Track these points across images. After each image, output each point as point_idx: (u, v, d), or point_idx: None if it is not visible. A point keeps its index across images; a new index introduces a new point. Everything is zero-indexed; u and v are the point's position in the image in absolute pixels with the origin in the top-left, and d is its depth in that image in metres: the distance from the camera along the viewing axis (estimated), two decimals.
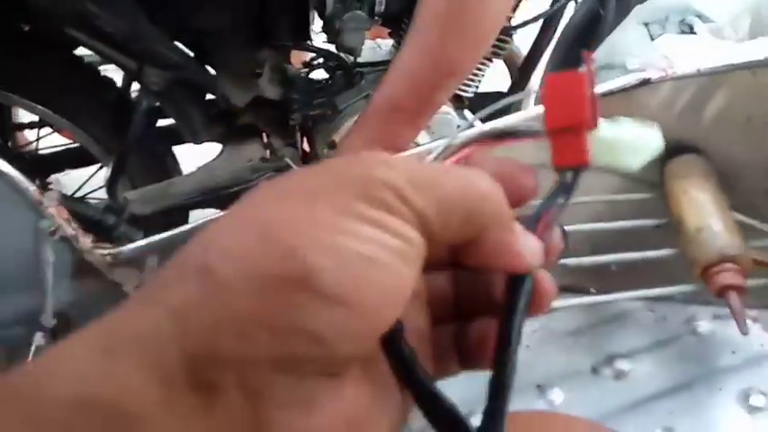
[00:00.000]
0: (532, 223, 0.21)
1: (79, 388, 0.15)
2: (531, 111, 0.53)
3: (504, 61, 1.07)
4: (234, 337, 0.15)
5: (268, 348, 0.16)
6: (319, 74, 1.00)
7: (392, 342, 0.19)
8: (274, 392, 0.16)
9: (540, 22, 0.97)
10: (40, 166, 1.05)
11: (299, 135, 0.98)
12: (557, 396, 0.52)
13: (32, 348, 0.49)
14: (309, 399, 0.17)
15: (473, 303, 0.23)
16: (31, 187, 0.47)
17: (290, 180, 0.19)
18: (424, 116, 0.62)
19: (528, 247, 0.20)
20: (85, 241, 0.47)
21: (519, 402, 0.51)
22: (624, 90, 0.48)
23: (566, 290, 0.62)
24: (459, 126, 0.92)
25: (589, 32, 0.95)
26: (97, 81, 0.91)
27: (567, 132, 0.22)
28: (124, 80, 0.96)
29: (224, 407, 0.16)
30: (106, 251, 0.48)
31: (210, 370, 0.15)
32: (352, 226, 0.17)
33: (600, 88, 0.49)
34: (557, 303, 0.48)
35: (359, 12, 0.82)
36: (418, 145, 0.88)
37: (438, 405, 0.19)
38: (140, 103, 0.85)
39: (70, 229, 0.46)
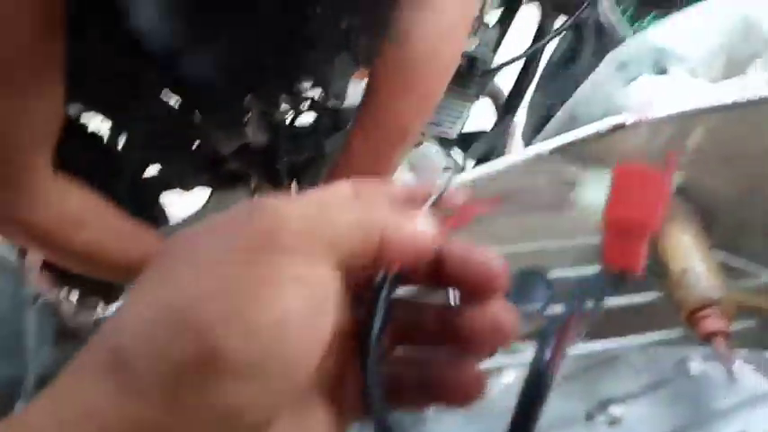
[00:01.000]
0: (553, 325, 0.20)
1: None
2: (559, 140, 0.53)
3: (490, 99, 1.08)
4: (146, 426, 0.16)
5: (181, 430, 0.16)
6: (306, 117, 1.01)
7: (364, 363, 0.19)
8: None
9: (522, 60, 0.98)
10: None
11: (287, 179, 0.99)
12: None
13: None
14: None
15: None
16: (13, 254, 0.47)
17: (191, 240, 0.18)
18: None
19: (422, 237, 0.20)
20: (68, 307, 0.47)
21: None
22: (600, 135, 0.49)
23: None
24: (446, 167, 0.93)
25: (569, 70, 0.97)
26: (84, 135, 0.92)
27: (627, 231, 0.20)
28: (111, 132, 0.97)
29: None
30: (89, 317, 0.47)
31: None
32: (261, 292, 0.17)
33: (574, 134, 0.49)
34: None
35: (345, 56, 0.83)
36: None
37: None
38: (125, 158, 0.85)
39: (52, 294, 0.46)
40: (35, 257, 0.52)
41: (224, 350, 0.16)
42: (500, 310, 0.21)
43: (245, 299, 0.17)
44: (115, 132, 0.97)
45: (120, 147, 0.93)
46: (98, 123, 0.96)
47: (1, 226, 0.53)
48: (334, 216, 0.19)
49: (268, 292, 0.17)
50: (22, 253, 0.52)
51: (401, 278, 0.21)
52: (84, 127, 0.93)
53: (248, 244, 0.18)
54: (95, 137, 0.94)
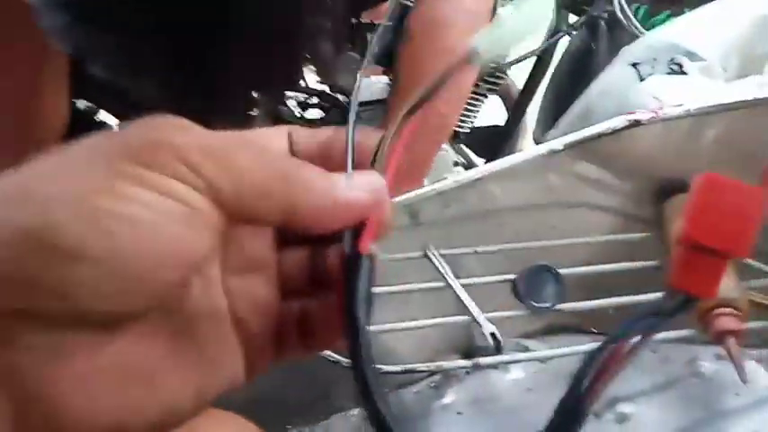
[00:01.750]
0: (599, 352, 0.18)
1: None
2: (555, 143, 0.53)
3: (500, 96, 1.08)
4: None
5: (7, 300, 0.16)
6: (314, 113, 1.01)
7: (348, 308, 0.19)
8: (20, 341, 0.16)
9: (535, 57, 0.98)
10: None
11: None
12: None
13: None
14: (64, 348, 0.16)
15: (324, 278, 0.22)
16: None
17: (82, 143, 0.18)
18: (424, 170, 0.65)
19: (356, 196, 0.19)
20: None
21: None
22: (614, 132, 0.48)
23: (565, 329, 0.62)
24: (456, 162, 0.93)
25: (582, 67, 0.96)
26: (91, 126, 0.92)
27: (708, 253, 0.18)
28: (119, 127, 0.97)
29: None
30: None
31: None
32: (120, 188, 0.17)
33: (591, 130, 0.49)
34: (558, 351, 0.47)
35: (352, 53, 0.83)
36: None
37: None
38: None
39: None
40: None
41: (58, 226, 0.16)
42: None
43: (94, 187, 0.16)
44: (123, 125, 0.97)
45: None
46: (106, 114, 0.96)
47: None
48: (228, 156, 0.18)
49: (121, 187, 0.17)
50: None
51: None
52: (91, 116, 0.93)
53: (122, 148, 0.17)
54: (104, 126, 0.94)
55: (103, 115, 0.87)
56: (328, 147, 0.23)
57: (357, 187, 0.19)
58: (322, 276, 0.22)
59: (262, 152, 0.19)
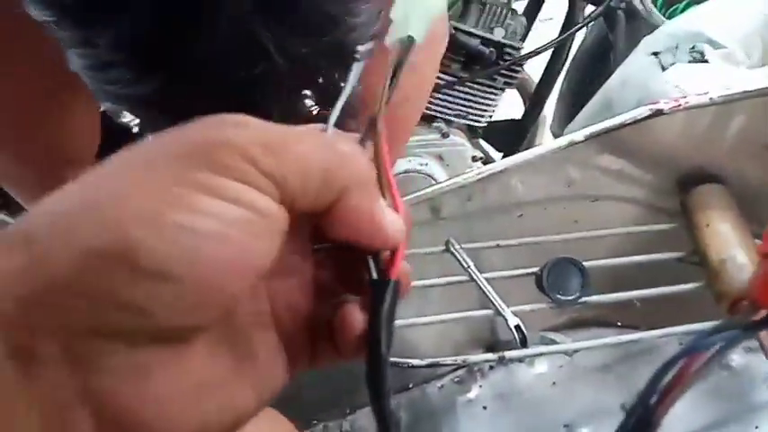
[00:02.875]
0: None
1: None
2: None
3: (517, 89, 1.07)
4: (51, 307, 0.15)
5: (88, 319, 0.15)
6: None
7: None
8: (101, 361, 0.16)
9: (551, 49, 0.97)
10: None
11: None
12: None
13: None
14: (143, 367, 0.16)
15: (351, 283, 0.22)
16: None
17: (135, 149, 0.18)
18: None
19: (389, 220, 0.19)
20: None
21: None
22: (637, 121, 0.48)
23: (590, 323, 0.61)
24: (474, 157, 0.92)
25: (601, 58, 0.95)
26: (115, 128, 0.93)
27: None
28: (140, 127, 0.98)
29: (48, 377, 0.15)
30: None
31: (30, 339, 0.15)
32: (186, 197, 0.16)
33: (613, 121, 0.48)
34: (584, 344, 0.47)
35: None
36: (436, 180, 0.88)
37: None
38: None
39: None
40: None
41: (138, 247, 0.16)
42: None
43: (167, 201, 0.16)
44: (144, 127, 0.99)
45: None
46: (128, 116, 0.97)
47: None
48: (291, 146, 0.18)
49: (192, 199, 0.16)
50: None
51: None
52: (116, 117, 0.94)
53: (184, 152, 0.17)
54: (125, 129, 0.95)
55: (127, 117, 0.88)
56: None
57: (390, 222, 0.19)
58: (350, 284, 0.22)
59: (322, 136, 0.19)
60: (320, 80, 0.43)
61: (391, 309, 0.19)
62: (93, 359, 0.16)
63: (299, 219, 0.19)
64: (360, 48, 0.38)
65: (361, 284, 0.22)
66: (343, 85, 0.23)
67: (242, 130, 0.17)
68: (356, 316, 0.20)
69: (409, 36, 0.18)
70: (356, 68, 0.22)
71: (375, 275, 0.20)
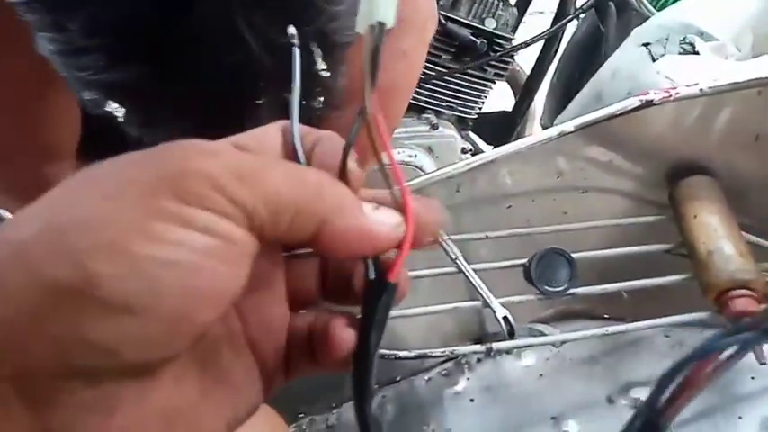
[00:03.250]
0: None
1: None
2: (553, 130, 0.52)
3: (508, 81, 1.07)
4: (10, 347, 0.15)
5: (46, 358, 0.15)
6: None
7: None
8: (63, 400, 0.15)
9: (542, 41, 0.97)
10: None
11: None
12: (572, 428, 0.51)
13: None
14: (108, 402, 0.16)
15: (337, 291, 0.22)
16: None
17: (103, 171, 0.17)
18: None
19: (381, 223, 0.19)
20: None
21: None
22: (627, 112, 0.48)
23: (577, 315, 0.61)
24: (463, 149, 0.92)
25: (591, 50, 0.95)
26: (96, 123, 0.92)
27: None
28: (126, 117, 0.97)
29: (7, 419, 0.15)
30: None
31: None
32: (152, 227, 0.16)
33: (603, 111, 0.48)
34: (571, 335, 0.47)
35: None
36: (425, 172, 0.87)
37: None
38: (141, 142, 0.85)
39: None
40: None
41: (99, 279, 0.15)
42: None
43: (132, 232, 0.16)
44: (131, 117, 0.97)
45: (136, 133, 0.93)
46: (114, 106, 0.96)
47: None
48: (262, 177, 0.17)
49: (159, 229, 0.16)
50: None
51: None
52: (100, 107, 0.92)
53: (152, 179, 0.16)
54: (111, 119, 0.94)
55: (111, 106, 0.87)
56: (320, 146, 0.22)
57: (380, 218, 0.19)
58: (330, 289, 0.22)
59: (293, 168, 0.18)
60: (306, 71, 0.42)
61: (386, 314, 0.19)
62: (53, 398, 0.15)
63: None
64: (342, 36, 0.37)
65: (346, 291, 0.21)
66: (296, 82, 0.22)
67: (211, 158, 0.17)
68: (345, 332, 0.20)
69: (379, 22, 0.17)
70: (297, 57, 0.22)
71: (372, 275, 0.19)
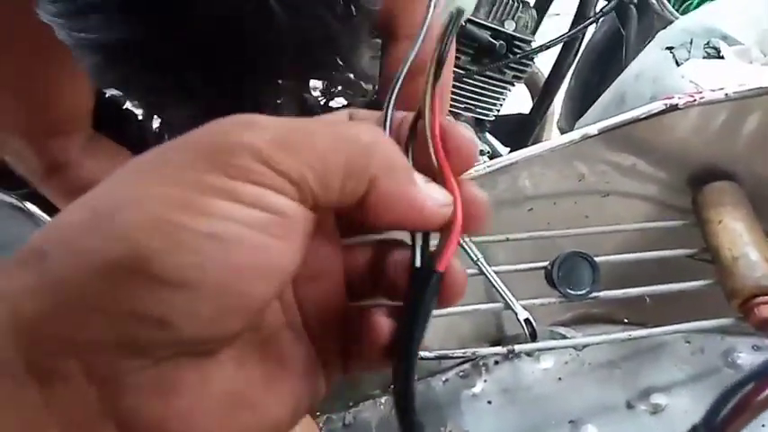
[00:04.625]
0: (742, 385, 0.16)
1: None
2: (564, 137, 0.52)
3: (526, 83, 1.06)
4: (69, 324, 0.15)
5: (107, 334, 0.15)
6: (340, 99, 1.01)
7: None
8: (125, 378, 0.15)
9: (561, 44, 0.96)
10: None
11: None
12: None
13: None
14: (168, 382, 0.16)
15: (389, 284, 0.21)
16: (28, 202, 0.49)
17: (147, 156, 0.17)
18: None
19: (430, 196, 0.18)
20: None
21: None
22: (651, 116, 0.47)
23: (596, 320, 0.61)
24: (481, 151, 0.92)
25: (611, 54, 0.95)
26: (119, 114, 0.92)
27: None
28: (144, 113, 0.98)
29: (70, 396, 0.15)
30: None
31: (50, 359, 0.15)
32: (199, 201, 0.16)
33: (627, 115, 0.48)
34: (593, 339, 0.46)
35: (376, 40, 0.82)
36: None
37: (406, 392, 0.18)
38: (162, 136, 0.86)
39: None
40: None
41: (151, 256, 0.15)
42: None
43: (178, 207, 0.15)
44: (149, 113, 0.98)
45: (155, 127, 0.94)
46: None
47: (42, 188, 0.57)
48: (307, 144, 0.17)
49: (206, 203, 0.16)
50: (38, 200, 0.54)
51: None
52: (118, 103, 0.93)
53: (197, 157, 0.16)
54: (130, 114, 0.94)
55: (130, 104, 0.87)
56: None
57: (432, 199, 0.18)
58: (385, 282, 0.21)
59: (343, 128, 0.18)
60: (321, 36, 0.41)
61: (430, 306, 0.18)
62: (116, 376, 0.15)
63: (326, 218, 0.18)
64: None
65: (395, 285, 0.20)
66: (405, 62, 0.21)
67: (255, 130, 0.17)
68: (382, 323, 0.19)
69: (458, 8, 0.17)
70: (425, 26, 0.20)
71: (419, 263, 0.18)
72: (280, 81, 0.89)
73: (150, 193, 0.16)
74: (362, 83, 0.93)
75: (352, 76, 0.93)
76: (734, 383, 0.16)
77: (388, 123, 0.20)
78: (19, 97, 0.53)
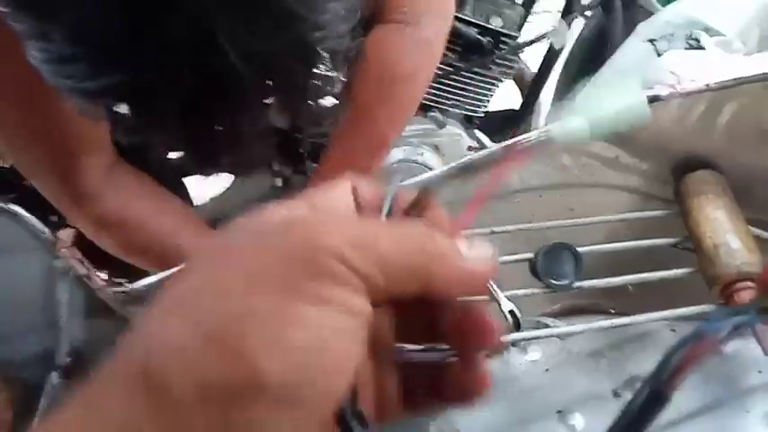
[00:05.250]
0: (686, 343, 0.18)
1: None
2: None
3: (514, 79, 1.07)
4: None
5: None
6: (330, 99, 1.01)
7: (343, 414, 0.19)
8: None
9: (549, 39, 0.97)
10: None
11: (308, 162, 0.99)
12: (578, 422, 0.51)
13: (47, 387, 0.49)
14: None
15: (414, 332, 0.23)
16: (45, 229, 0.48)
17: (228, 256, 0.18)
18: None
19: (478, 260, 0.20)
20: (98, 280, 0.48)
21: (539, 429, 0.50)
22: None
23: (583, 311, 0.61)
24: (470, 147, 0.92)
25: (598, 49, 0.95)
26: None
27: None
28: (133, 113, 0.97)
29: None
30: (118, 289, 0.48)
31: None
32: (297, 312, 0.16)
33: None
34: (576, 327, 0.47)
35: (362, 39, 0.83)
36: (431, 169, 0.87)
37: None
38: (181, 166, 0.85)
39: (83, 268, 0.46)
40: (67, 233, 0.53)
41: (266, 373, 0.16)
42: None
43: (282, 322, 0.16)
44: (137, 113, 0.98)
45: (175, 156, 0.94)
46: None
47: (68, 216, 0.56)
48: (374, 243, 0.18)
49: (305, 315, 0.16)
50: (55, 227, 0.53)
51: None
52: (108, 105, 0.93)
53: (283, 266, 0.17)
54: (118, 116, 0.94)
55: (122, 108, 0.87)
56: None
57: (476, 255, 0.20)
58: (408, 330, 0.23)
59: (395, 227, 0.20)
60: (285, 77, 0.43)
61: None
62: None
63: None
64: (325, 45, 0.38)
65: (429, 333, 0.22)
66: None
67: (333, 233, 0.18)
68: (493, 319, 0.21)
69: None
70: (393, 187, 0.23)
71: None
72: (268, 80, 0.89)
73: (253, 308, 0.16)
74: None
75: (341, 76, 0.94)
76: (678, 341, 0.19)
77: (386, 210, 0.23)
78: (34, 134, 0.54)
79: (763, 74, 0.46)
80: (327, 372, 0.16)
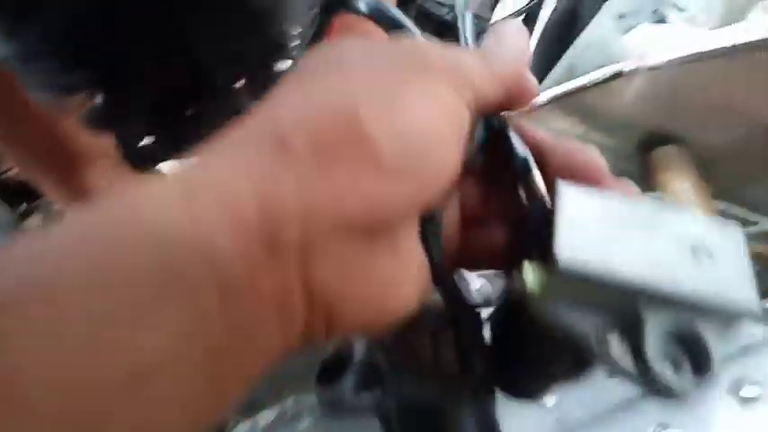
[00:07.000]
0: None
1: (164, 231, 0.15)
2: None
3: None
4: (300, 199, 0.16)
5: (330, 210, 0.16)
6: None
7: (430, 221, 0.20)
8: (326, 252, 0.17)
9: (520, 18, 0.97)
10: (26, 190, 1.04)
11: None
12: (548, 398, 0.52)
13: None
14: (353, 262, 0.17)
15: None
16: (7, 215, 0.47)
17: (342, 52, 0.19)
18: None
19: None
20: None
21: (507, 405, 0.50)
22: (598, 84, 0.48)
23: None
24: None
25: (568, 29, 0.95)
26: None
27: None
28: (104, 99, 0.96)
29: (282, 264, 0.16)
30: None
31: (280, 230, 0.16)
32: (407, 96, 0.17)
33: (574, 83, 0.48)
34: None
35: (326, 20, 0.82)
36: None
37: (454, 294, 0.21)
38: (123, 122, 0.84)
39: None
40: (36, 221, 0.52)
41: (376, 141, 0.17)
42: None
43: (395, 102, 0.17)
44: (108, 105, 0.96)
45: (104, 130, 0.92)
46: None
47: None
48: (468, 62, 0.20)
49: (417, 100, 0.17)
50: (27, 212, 0.53)
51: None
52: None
53: (398, 59, 0.18)
54: (90, 107, 0.92)
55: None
56: None
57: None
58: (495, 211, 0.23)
59: (477, 53, 0.21)
60: (253, 68, 0.43)
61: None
62: (320, 249, 0.16)
63: None
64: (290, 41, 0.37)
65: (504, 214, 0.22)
66: None
67: (429, 47, 0.19)
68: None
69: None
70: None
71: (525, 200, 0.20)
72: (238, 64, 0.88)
73: (366, 87, 0.17)
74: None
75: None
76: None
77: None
78: (35, 145, 0.53)
79: (725, 48, 0.46)
80: (429, 155, 0.17)
